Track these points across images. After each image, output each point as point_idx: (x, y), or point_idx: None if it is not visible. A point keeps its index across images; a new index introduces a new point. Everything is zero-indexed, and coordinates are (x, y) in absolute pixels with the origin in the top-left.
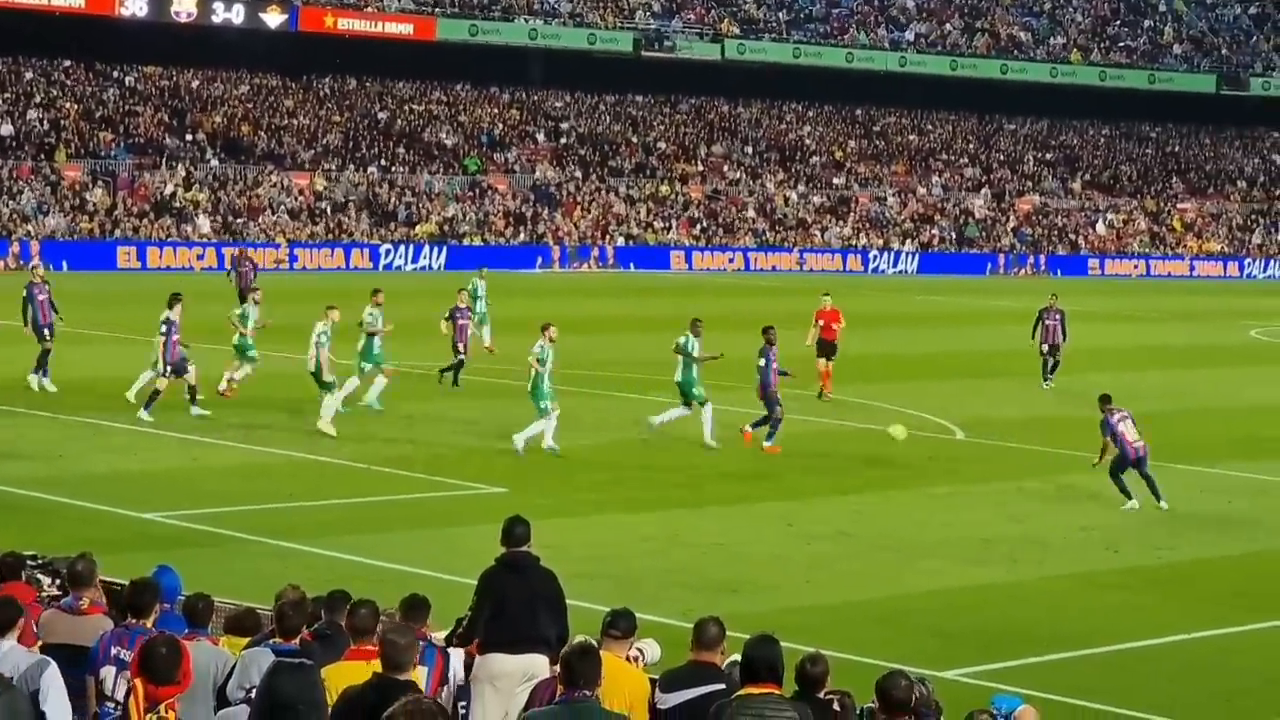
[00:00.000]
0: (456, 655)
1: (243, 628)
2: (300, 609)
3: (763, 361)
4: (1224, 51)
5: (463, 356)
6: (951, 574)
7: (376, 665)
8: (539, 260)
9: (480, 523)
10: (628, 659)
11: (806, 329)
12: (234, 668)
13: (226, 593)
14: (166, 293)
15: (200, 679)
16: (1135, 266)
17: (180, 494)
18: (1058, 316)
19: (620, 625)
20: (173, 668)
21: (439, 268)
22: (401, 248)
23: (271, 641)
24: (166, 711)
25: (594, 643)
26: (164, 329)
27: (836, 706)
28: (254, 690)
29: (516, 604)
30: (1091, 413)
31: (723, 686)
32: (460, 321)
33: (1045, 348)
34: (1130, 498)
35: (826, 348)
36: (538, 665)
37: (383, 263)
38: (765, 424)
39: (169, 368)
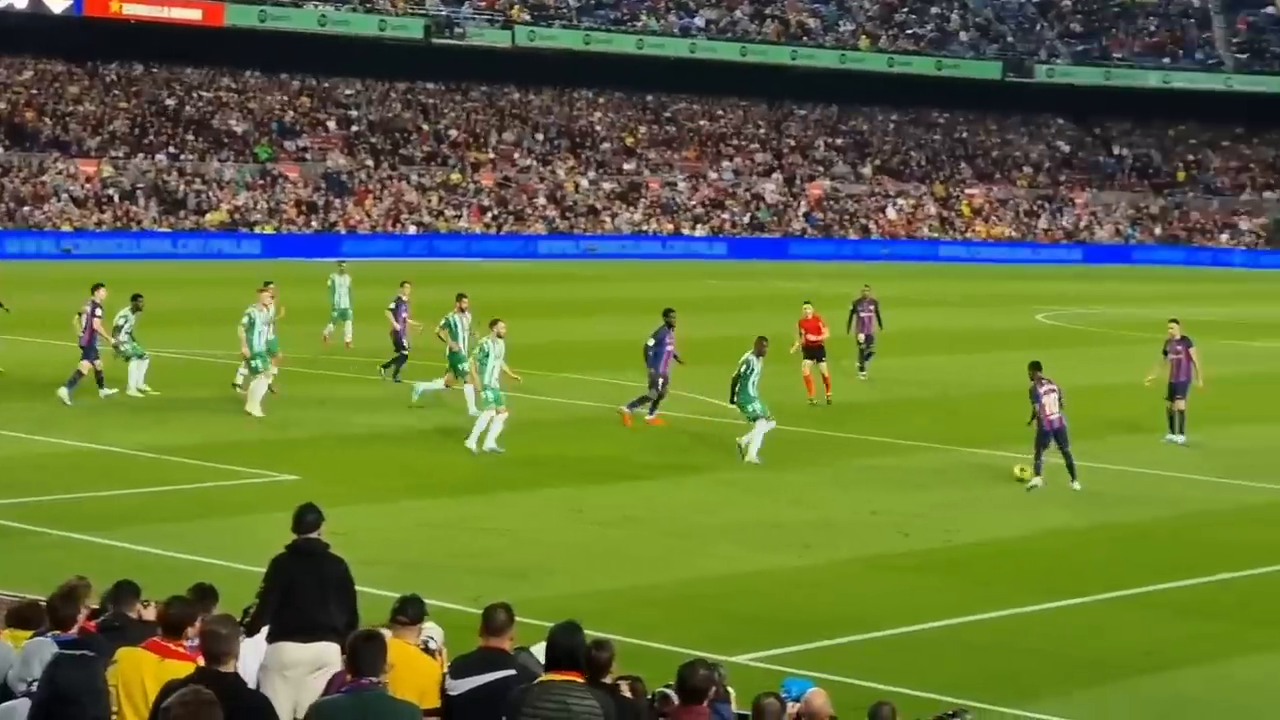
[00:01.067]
0: (248, 645)
1: (24, 620)
2: (71, 599)
3: (653, 340)
4: (1009, 39)
5: (405, 351)
6: (742, 559)
7: (180, 664)
8: (340, 248)
9: (271, 510)
10: (424, 648)
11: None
12: (16, 661)
13: (9, 586)
14: None
15: None
16: (925, 251)
17: None
18: (872, 307)
19: (409, 612)
20: None
21: (231, 256)
22: (192, 237)
23: (52, 634)
24: None
25: (379, 630)
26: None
27: (627, 691)
28: (35, 683)
29: (306, 591)
30: (881, 397)
31: (514, 672)
32: (404, 315)
33: (862, 338)
34: (1038, 474)
35: (814, 353)
36: (328, 654)
37: (173, 251)
38: (642, 403)
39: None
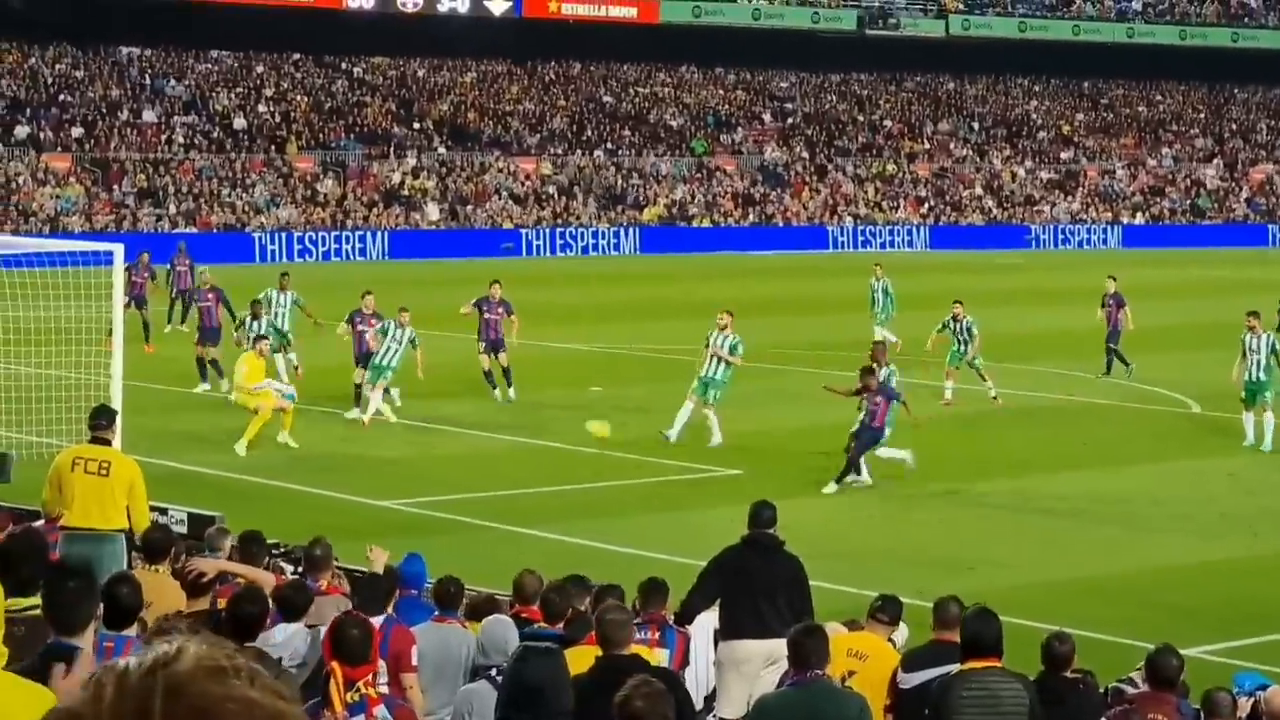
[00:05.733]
0: (698, 636)
1: (481, 614)
2: (564, 593)
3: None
4: None
5: None
6: (1188, 548)
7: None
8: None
9: (715, 506)
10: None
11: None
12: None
13: (464, 579)
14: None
15: (451, 662)
16: None
17: (412, 481)
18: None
19: (888, 611)
20: (366, 648)
21: (668, 250)
22: (630, 230)
23: (539, 625)
24: (366, 689)
25: (822, 624)
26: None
27: (1081, 686)
28: (496, 669)
29: (759, 587)
30: None
31: None
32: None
33: None
34: None
35: None
36: (781, 649)
37: (609, 244)
38: None
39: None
